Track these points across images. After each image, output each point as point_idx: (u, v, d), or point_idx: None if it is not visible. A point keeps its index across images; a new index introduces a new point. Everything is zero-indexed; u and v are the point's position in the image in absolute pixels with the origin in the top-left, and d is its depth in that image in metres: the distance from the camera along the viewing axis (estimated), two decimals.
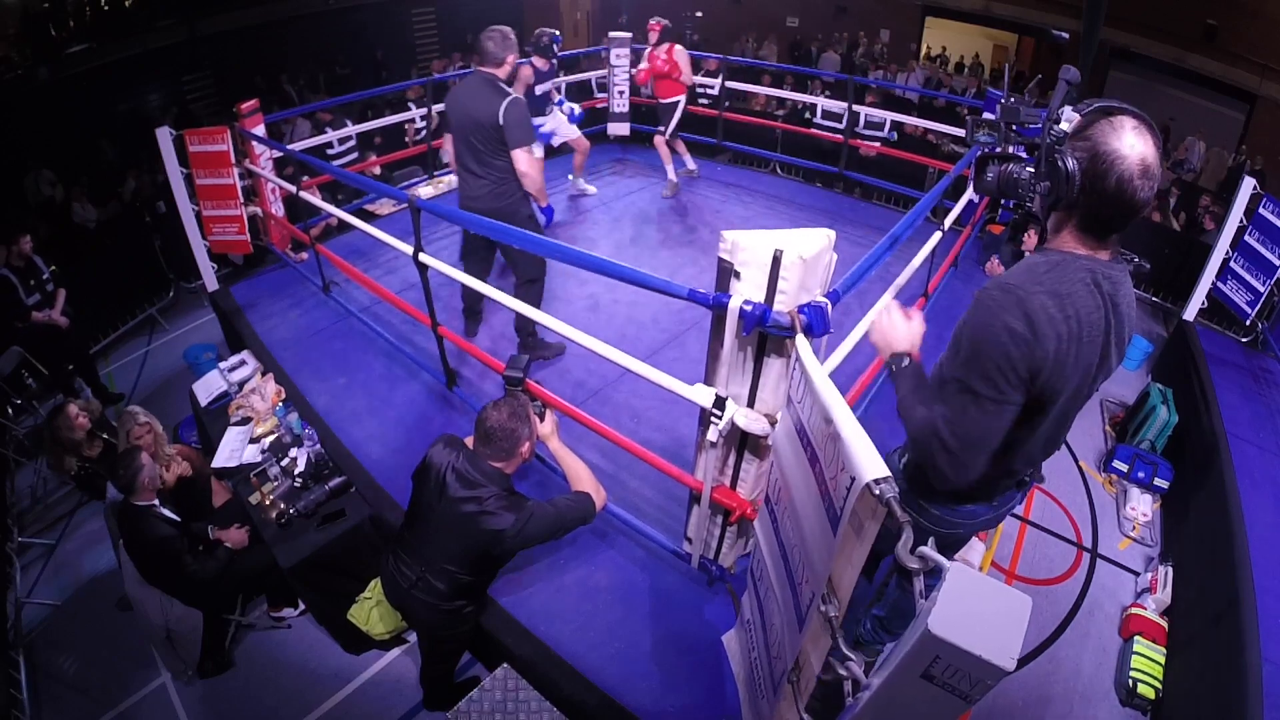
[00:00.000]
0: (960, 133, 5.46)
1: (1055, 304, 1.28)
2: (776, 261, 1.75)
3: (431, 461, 2.18)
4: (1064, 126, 1.33)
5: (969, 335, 1.35)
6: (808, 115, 7.72)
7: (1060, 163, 1.29)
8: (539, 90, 5.19)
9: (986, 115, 1.73)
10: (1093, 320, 1.32)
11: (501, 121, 3.11)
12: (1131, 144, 1.23)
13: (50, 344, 4.86)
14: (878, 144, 6.53)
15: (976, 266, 5.00)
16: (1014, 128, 1.63)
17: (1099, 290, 1.32)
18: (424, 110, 6.29)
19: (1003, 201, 1.55)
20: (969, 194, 4.30)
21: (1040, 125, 1.41)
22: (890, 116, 6.60)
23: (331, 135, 5.93)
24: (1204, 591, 3.15)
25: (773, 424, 2.01)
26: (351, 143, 6.29)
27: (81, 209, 6.79)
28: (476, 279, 3.18)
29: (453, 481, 2.11)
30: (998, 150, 1.56)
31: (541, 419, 2.38)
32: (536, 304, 3.46)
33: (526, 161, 3.20)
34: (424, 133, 6.61)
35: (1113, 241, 1.35)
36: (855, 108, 6.08)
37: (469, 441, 2.22)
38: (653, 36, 5.58)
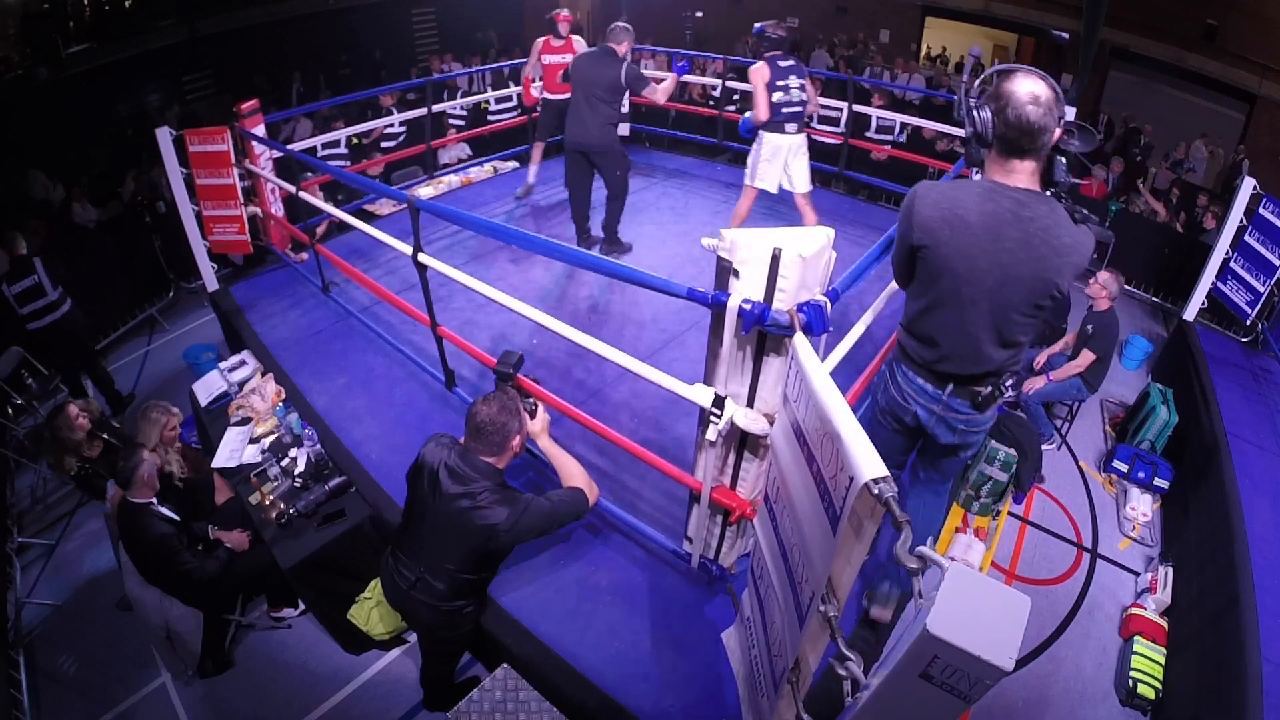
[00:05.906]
0: (959, 132, 5.42)
1: (937, 197, 1.76)
2: (776, 260, 1.74)
3: (424, 460, 2.18)
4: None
5: None
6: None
7: (976, 112, 1.71)
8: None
9: None
10: (980, 220, 1.69)
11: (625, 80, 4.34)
12: (1023, 84, 1.63)
13: (58, 345, 4.82)
14: (888, 147, 6.47)
15: None
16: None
17: (993, 202, 1.69)
18: (400, 116, 6.28)
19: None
20: None
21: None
22: (900, 119, 6.57)
23: (336, 135, 5.94)
24: (1204, 591, 3.15)
25: (772, 423, 2.01)
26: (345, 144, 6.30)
27: (81, 209, 6.77)
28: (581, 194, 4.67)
29: (446, 478, 2.11)
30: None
31: (533, 416, 2.37)
32: (620, 212, 4.76)
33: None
34: (399, 138, 6.56)
35: (1027, 170, 1.70)
36: (861, 109, 6.05)
37: (461, 440, 2.22)
38: (564, 28, 5.26)
